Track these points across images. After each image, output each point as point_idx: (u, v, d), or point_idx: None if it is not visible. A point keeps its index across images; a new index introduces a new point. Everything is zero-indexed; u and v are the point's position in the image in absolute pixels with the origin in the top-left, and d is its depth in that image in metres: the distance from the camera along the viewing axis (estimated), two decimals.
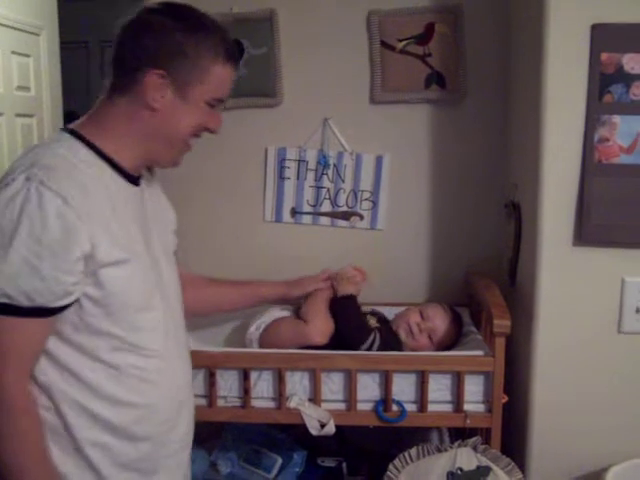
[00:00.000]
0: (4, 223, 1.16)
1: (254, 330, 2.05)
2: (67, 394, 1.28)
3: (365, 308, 2.22)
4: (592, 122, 1.74)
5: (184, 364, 1.51)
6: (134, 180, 1.39)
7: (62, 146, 1.28)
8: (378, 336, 1.98)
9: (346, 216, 2.42)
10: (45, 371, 1.27)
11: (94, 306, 1.25)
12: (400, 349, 2.05)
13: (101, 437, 1.31)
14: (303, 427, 1.88)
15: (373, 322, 2.09)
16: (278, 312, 2.11)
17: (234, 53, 1.36)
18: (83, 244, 1.19)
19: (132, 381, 1.33)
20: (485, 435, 1.89)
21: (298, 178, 2.43)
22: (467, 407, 1.86)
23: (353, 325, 1.98)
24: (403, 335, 2.08)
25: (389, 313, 2.24)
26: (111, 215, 1.27)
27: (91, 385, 1.29)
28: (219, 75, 1.33)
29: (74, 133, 1.32)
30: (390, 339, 2.04)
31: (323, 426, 1.87)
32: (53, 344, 1.26)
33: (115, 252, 1.25)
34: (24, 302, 1.17)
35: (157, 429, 1.39)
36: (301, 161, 2.42)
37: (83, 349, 1.27)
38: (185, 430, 1.49)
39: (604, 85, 1.72)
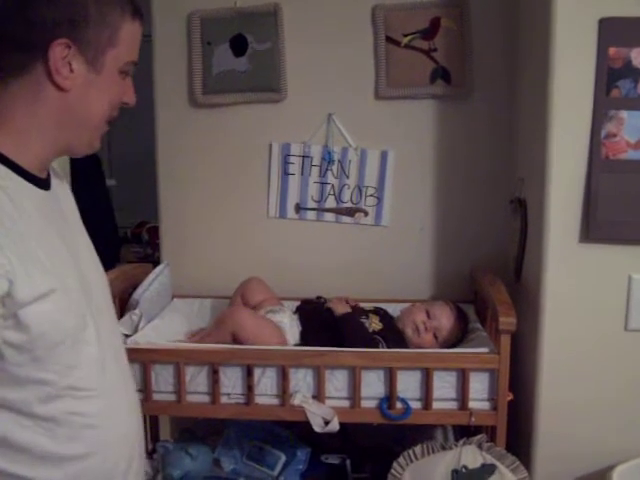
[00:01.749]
0: None
1: None
2: None
3: (368, 305, 2.22)
4: (599, 117, 1.72)
5: (130, 402, 1.28)
6: (44, 183, 1.16)
7: None
8: (383, 343, 1.98)
9: (350, 212, 2.41)
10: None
11: (18, 353, 1.02)
12: (404, 345, 2.04)
13: None
14: (307, 424, 1.87)
15: (376, 322, 2.08)
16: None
17: (139, 7, 1.16)
18: None
19: (71, 430, 1.11)
20: (490, 433, 1.88)
21: (302, 174, 2.41)
22: (472, 405, 1.85)
23: (359, 342, 1.96)
24: (409, 333, 2.08)
25: (394, 310, 2.24)
26: (27, 236, 1.03)
27: (24, 447, 1.06)
28: (129, 33, 1.13)
29: None
30: (394, 339, 2.03)
31: (327, 423, 1.86)
32: None
33: (39, 284, 1.02)
34: None
35: (112, 476, 1.19)
36: (305, 157, 2.40)
37: (9, 405, 1.04)
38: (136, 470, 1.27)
39: (612, 80, 1.70)
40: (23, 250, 1.01)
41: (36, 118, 1.09)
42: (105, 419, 1.17)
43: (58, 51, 1.05)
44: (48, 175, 1.19)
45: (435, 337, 2.08)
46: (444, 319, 2.09)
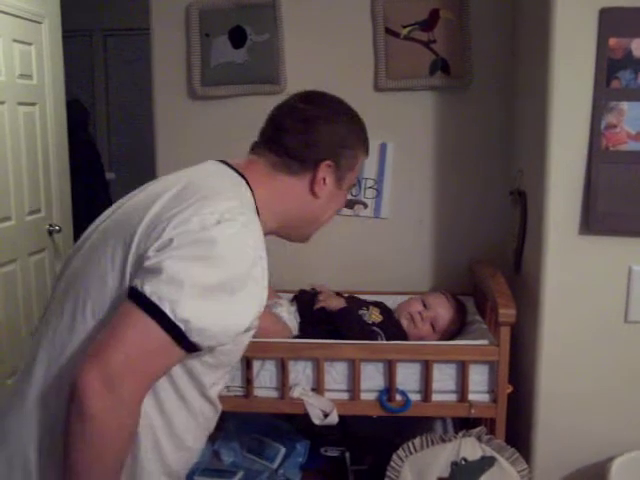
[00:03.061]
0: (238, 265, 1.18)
1: None
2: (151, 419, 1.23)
3: (368, 298, 2.21)
4: (599, 108, 1.71)
5: None
6: None
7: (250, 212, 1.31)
8: (382, 334, 1.97)
9: (350, 204, 2.40)
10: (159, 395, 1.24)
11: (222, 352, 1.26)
12: (404, 339, 2.03)
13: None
14: (306, 417, 1.87)
15: (376, 314, 2.08)
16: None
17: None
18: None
19: (199, 424, 1.34)
20: (489, 425, 1.88)
21: None
22: (471, 397, 1.85)
23: (359, 335, 1.95)
24: (405, 324, 2.08)
25: (393, 302, 2.23)
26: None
27: (176, 425, 1.28)
28: (361, 163, 1.49)
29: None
30: (393, 331, 2.03)
31: (326, 416, 1.85)
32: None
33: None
34: (194, 338, 1.13)
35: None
36: None
37: (198, 383, 1.28)
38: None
39: (612, 71, 1.70)
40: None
41: (285, 206, 1.40)
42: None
43: (325, 169, 1.39)
44: None
45: (433, 327, 2.08)
46: (440, 308, 2.09)
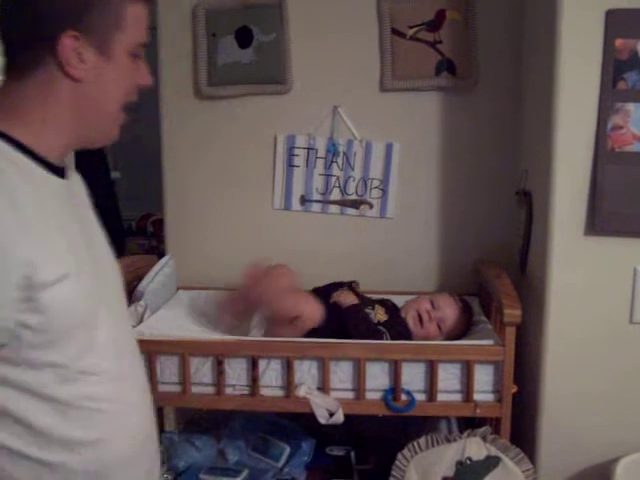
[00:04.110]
0: None
1: (255, 332, 2.05)
2: (7, 446, 1.05)
3: (375, 296, 2.22)
4: (605, 109, 1.72)
5: (142, 390, 1.27)
6: (62, 172, 1.16)
7: None
8: (387, 333, 1.98)
9: (356, 204, 2.41)
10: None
11: (34, 335, 1.02)
12: (409, 337, 2.04)
13: None
14: (311, 416, 1.87)
15: (381, 313, 2.08)
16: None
17: None
18: (18, 268, 0.98)
19: (83, 414, 1.11)
20: (494, 425, 1.88)
21: (307, 166, 2.41)
22: (477, 397, 1.85)
23: (364, 334, 1.96)
24: (411, 322, 2.08)
25: (398, 303, 2.23)
26: (47, 222, 1.05)
27: (40, 430, 1.06)
28: (134, 15, 1.11)
29: None
30: (398, 330, 2.03)
31: (332, 415, 1.86)
32: None
33: (57, 268, 1.03)
34: None
35: (117, 466, 1.17)
36: (310, 149, 2.40)
37: (25, 388, 1.05)
38: (148, 467, 1.27)
39: (618, 72, 1.70)
40: (43, 234, 1.03)
41: (52, 110, 1.10)
42: (118, 405, 1.17)
43: (67, 44, 1.06)
44: (64, 167, 1.18)
45: (439, 328, 2.08)
46: (448, 310, 2.09)
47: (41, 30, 1.06)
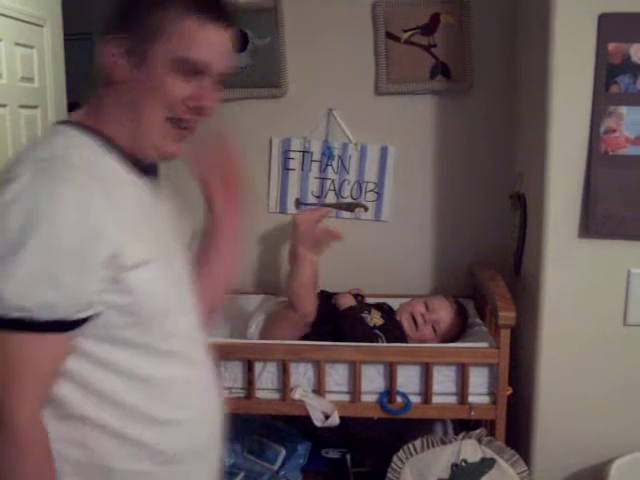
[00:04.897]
0: (12, 226, 0.97)
1: (253, 329, 2.06)
2: (97, 421, 1.08)
3: (370, 300, 2.22)
4: (598, 113, 1.73)
5: (213, 375, 1.31)
6: (146, 169, 1.19)
7: (70, 137, 1.11)
8: (383, 337, 1.99)
9: (351, 207, 2.42)
10: (68, 396, 1.06)
11: (121, 315, 1.07)
12: (405, 340, 2.04)
13: (140, 465, 1.13)
14: (307, 418, 1.88)
15: (377, 317, 2.08)
16: (272, 306, 2.16)
17: (213, 8, 1.10)
18: (108, 246, 1.02)
19: (170, 396, 1.15)
20: (489, 427, 1.89)
21: (303, 169, 2.42)
22: (472, 399, 1.86)
23: (359, 336, 1.96)
24: (406, 325, 2.08)
25: (394, 305, 2.24)
26: (134, 209, 1.10)
27: (128, 407, 1.10)
28: (184, 29, 1.08)
29: (77, 125, 1.13)
30: (394, 333, 2.03)
31: (327, 417, 1.86)
32: (76, 364, 1.06)
33: (140, 253, 1.07)
34: (41, 315, 0.98)
35: (200, 447, 1.23)
36: (305, 152, 2.41)
37: (113, 366, 1.09)
38: (220, 445, 1.32)
39: (611, 75, 1.71)
40: (130, 221, 1.07)
41: (116, 111, 1.13)
42: (196, 389, 1.21)
43: (106, 46, 1.09)
44: (149, 166, 1.22)
45: (434, 330, 2.09)
46: (443, 312, 2.10)
47: (100, 30, 1.11)
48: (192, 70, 1.10)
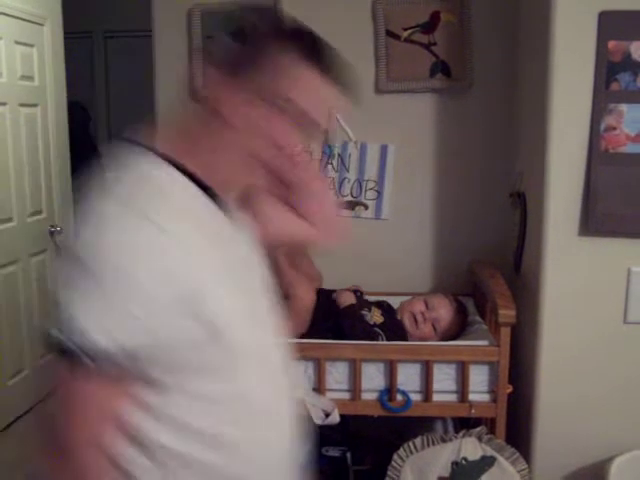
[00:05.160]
0: (99, 262, 0.90)
1: None
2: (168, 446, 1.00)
3: (372, 298, 2.22)
4: (598, 111, 1.73)
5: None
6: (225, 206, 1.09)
7: (163, 173, 1.03)
8: (383, 335, 1.98)
9: (351, 206, 2.42)
10: (148, 431, 0.97)
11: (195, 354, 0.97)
12: (405, 338, 2.04)
13: None
14: (307, 417, 1.88)
15: (377, 315, 2.09)
16: None
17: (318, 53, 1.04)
18: (186, 285, 0.94)
19: (238, 413, 1.08)
20: (490, 425, 1.89)
21: None
22: (472, 397, 1.86)
23: (360, 334, 1.96)
24: (407, 324, 2.09)
25: (394, 303, 2.24)
26: (216, 251, 1.02)
27: (196, 429, 1.02)
28: (283, 66, 1.02)
29: (165, 157, 1.05)
30: (395, 330, 2.04)
31: (327, 416, 1.86)
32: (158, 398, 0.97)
33: (222, 294, 0.99)
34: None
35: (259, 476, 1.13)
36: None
37: (182, 391, 0.99)
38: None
39: (611, 73, 1.71)
40: (213, 261, 1.00)
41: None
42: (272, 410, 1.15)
43: (208, 71, 1.07)
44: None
45: (434, 329, 2.09)
46: (442, 310, 2.10)
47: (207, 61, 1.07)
48: (278, 104, 1.03)
